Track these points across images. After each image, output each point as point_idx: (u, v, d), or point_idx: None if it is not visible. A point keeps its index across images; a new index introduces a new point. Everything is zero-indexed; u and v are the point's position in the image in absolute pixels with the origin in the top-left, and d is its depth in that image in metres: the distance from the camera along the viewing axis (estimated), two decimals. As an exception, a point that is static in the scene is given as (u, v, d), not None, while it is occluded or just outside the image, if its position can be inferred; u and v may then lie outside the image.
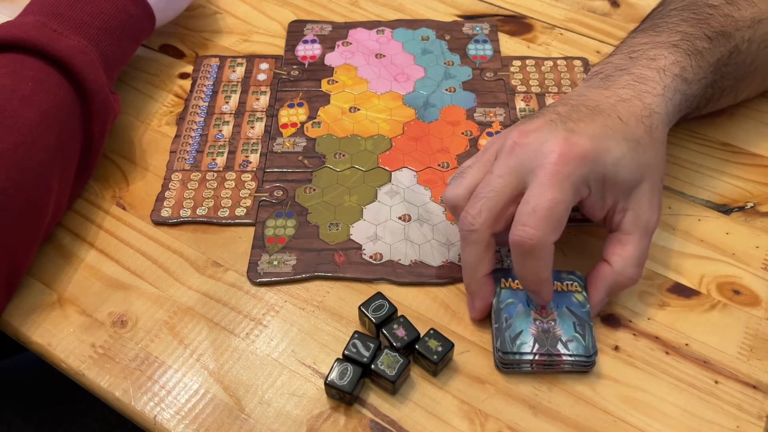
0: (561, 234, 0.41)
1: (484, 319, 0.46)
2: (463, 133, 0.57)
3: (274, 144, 0.57)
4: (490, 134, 0.57)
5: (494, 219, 0.42)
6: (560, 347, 0.43)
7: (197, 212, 0.52)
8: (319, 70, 0.63)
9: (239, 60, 0.64)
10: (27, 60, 0.48)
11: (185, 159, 0.56)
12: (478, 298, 0.45)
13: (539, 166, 0.41)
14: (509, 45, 0.65)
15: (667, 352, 0.45)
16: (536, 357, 0.43)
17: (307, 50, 0.65)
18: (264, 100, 0.60)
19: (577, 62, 0.63)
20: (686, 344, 0.45)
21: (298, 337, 0.46)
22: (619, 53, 0.49)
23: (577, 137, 0.42)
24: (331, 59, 0.64)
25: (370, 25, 0.67)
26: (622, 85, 0.46)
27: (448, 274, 0.49)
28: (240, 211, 0.52)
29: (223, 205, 0.53)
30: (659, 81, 0.46)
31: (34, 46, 0.48)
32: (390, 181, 0.54)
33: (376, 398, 0.43)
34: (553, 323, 0.44)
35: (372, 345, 0.43)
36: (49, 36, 0.49)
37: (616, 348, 0.45)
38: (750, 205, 0.52)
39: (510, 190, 0.42)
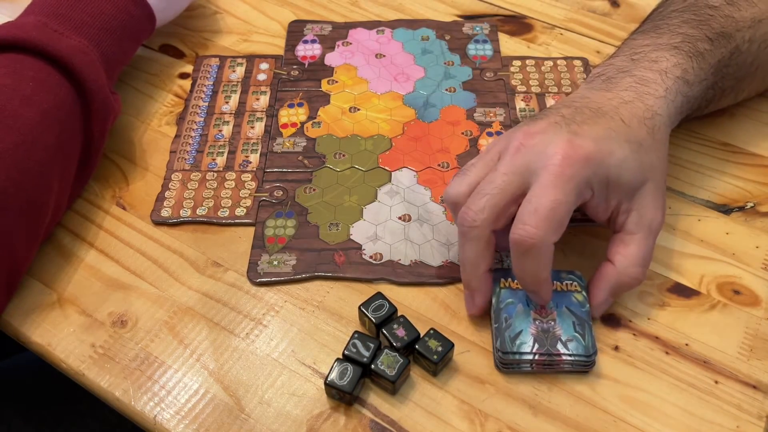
0: (561, 235, 0.41)
1: (484, 318, 0.46)
2: (463, 133, 0.57)
3: (274, 144, 0.57)
4: (490, 134, 0.57)
5: (496, 216, 0.42)
6: (560, 347, 0.43)
7: (197, 212, 0.52)
8: (319, 70, 0.63)
9: (239, 60, 0.64)
10: (28, 60, 0.48)
11: (185, 159, 0.56)
12: (479, 294, 0.45)
13: (543, 167, 0.41)
14: (509, 45, 0.65)
15: (667, 352, 0.45)
16: (536, 357, 0.43)
17: (307, 50, 0.65)
18: (264, 100, 0.60)
19: (577, 62, 0.63)
20: (686, 344, 0.45)
21: (298, 337, 0.46)
22: (621, 55, 0.49)
23: (581, 139, 0.42)
24: (331, 59, 0.64)
25: (370, 25, 0.67)
26: (624, 87, 0.46)
27: (448, 274, 0.49)
28: (240, 211, 0.52)
29: (223, 205, 0.53)
30: (661, 83, 0.46)
31: (34, 46, 0.48)
32: (390, 181, 0.54)
33: (376, 398, 0.43)
34: (552, 323, 0.44)
35: (372, 345, 0.43)
36: (49, 36, 0.49)
37: (616, 348, 0.45)
38: (750, 205, 0.52)
39: (513, 189, 0.42)
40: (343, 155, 0.56)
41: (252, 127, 0.58)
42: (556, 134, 0.42)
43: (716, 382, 0.44)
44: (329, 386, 0.42)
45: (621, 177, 0.42)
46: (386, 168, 0.55)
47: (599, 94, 0.46)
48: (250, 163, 0.56)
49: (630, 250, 0.44)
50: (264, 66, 0.63)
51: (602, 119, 0.44)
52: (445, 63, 0.63)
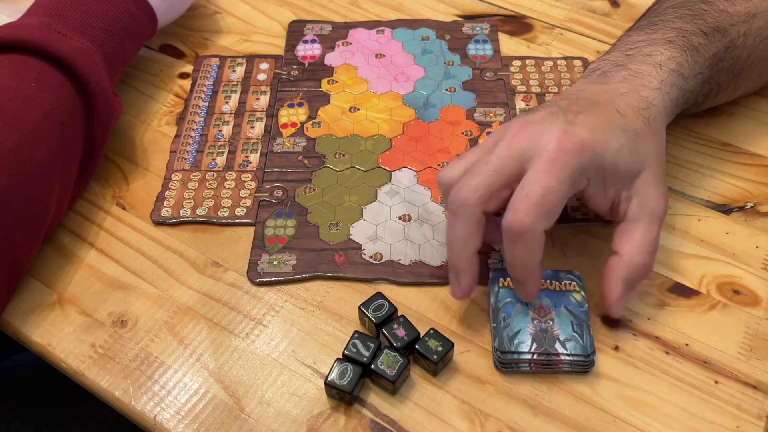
0: (553, 223, 0.41)
1: (484, 318, 0.46)
2: (463, 133, 0.57)
3: (274, 144, 0.57)
4: (490, 134, 0.57)
5: (489, 196, 0.42)
6: (558, 347, 0.43)
7: (197, 212, 0.52)
8: (319, 70, 0.63)
9: (239, 60, 0.64)
10: (30, 61, 0.48)
11: (185, 159, 0.56)
12: (465, 275, 0.44)
13: (538, 154, 0.41)
14: (509, 45, 0.65)
15: (667, 352, 0.45)
16: (534, 356, 0.43)
17: (307, 50, 0.65)
18: (264, 100, 0.61)
19: (577, 62, 0.63)
20: (686, 344, 0.45)
21: (298, 337, 0.46)
22: (616, 51, 0.50)
23: (576, 128, 0.42)
24: (331, 59, 0.64)
25: (370, 25, 0.67)
26: (619, 80, 0.46)
27: (449, 274, 0.49)
28: (240, 211, 0.52)
29: (223, 205, 0.53)
30: (656, 75, 0.46)
31: (37, 47, 0.48)
32: (390, 181, 0.54)
33: (376, 398, 0.43)
34: (551, 323, 0.44)
35: (372, 345, 0.43)
36: (52, 37, 0.49)
37: (616, 348, 0.45)
38: (750, 205, 0.52)
39: (508, 172, 0.42)
40: (343, 155, 0.56)
41: (252, 127, 0.58)
42: (552, 123, 0.43)
43: (716, 382, 0.44)
44: (329, 386, 0.42)
45: (617, 165, 0.42)
46: (386, 168, 0.55)
47: (595, 87, 0.46)
48: (250, 163, 0.56)
49: (635, 237, 0.43)
50: (264, 66, 0.63)
51: (598, 109, 0.44)
52: (445, 63, 0.63)
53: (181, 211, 0.53)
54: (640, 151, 0.43)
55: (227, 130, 0.58)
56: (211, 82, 0.62)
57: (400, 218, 0.52)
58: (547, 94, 0.60)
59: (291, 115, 0.59)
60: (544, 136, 0.42)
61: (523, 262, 0.42)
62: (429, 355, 0.43)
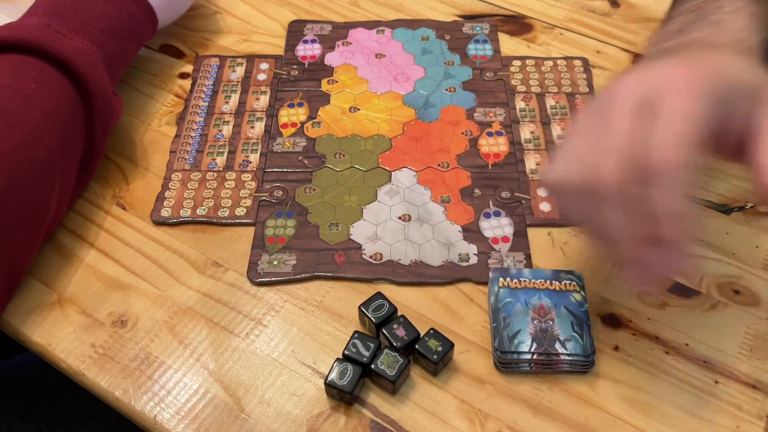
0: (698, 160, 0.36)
1: (484, 318, 0.46)
2: (463, 133, 0.57)
3: (274, 144, 0.57)
4: (490, 134, 0.57)
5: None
6: (558, 347, 0.43)
7: (197, 212, 0.52)
8: (319, 70, 0.63)
9: (239, 60, 0.64)
10: (30, 61, 0.48)
11: (185, 159, 0.56)
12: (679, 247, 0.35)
13: (667, 83, 0.36)
14: (509, 45, 0.65)
15: (667, 352, 0.45)
16: (534, 356, 0.43)
17: (307, 50, 0.65)
18: (264, 100, 0.60)
19: (577, 62, 0.63)
20: (686, 344, 0.45)
21: (298, 337, 0.46)
22: (680, 15, 0.45)
23: (689, 60, 0.38)
24: (331, 59, 0.64)
25: (370, 25, 0.67)
26: (699, 29, 0.42)
27: (448, 274, 0.49)
28: (240, 211, 0.52)
29: (223, 205, 0.53)
30: (733, 22, 0.42)
31: (37, 47, 0.48)
32: (390, 181, 0.54)
33: (376, 398, 0.43)
34: (551, 323, 0.44)
35: (372, 345, 0.43)
36: (52, 37, 0.49)
37: (616, 348, 0.45)
38: (750, 205, 0.52)
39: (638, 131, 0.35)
40: (343, 155, 0.56)
41: (252, 127, 0.58)
42: (660, 64, 0.38)
43: (716, 382, 0.44)
44: (329, 386, 0.42)
45: (743, 76, 0.37)
46: (386, 168, 0.55)
47: (678, 39, 0.42)
48: (250, 163, 0.56)
49: None
50: (264, 66, 0.63)
51: (688, 50, 0.40)
52: (445, 63, 0.63)
53: (181, 211, 0.53)
54: (757, 67, 0.39)
55: (227, 130, 0.58)
56: (211, 82, 0.62)
57: (400, 218, 0.52)
58: (547, 94, 0.60)
59: (291, 115, 0.59)
60: (665, 69, 0.37)
61: (672, 209, 0.34)
62: (429, 355, 0.43)
